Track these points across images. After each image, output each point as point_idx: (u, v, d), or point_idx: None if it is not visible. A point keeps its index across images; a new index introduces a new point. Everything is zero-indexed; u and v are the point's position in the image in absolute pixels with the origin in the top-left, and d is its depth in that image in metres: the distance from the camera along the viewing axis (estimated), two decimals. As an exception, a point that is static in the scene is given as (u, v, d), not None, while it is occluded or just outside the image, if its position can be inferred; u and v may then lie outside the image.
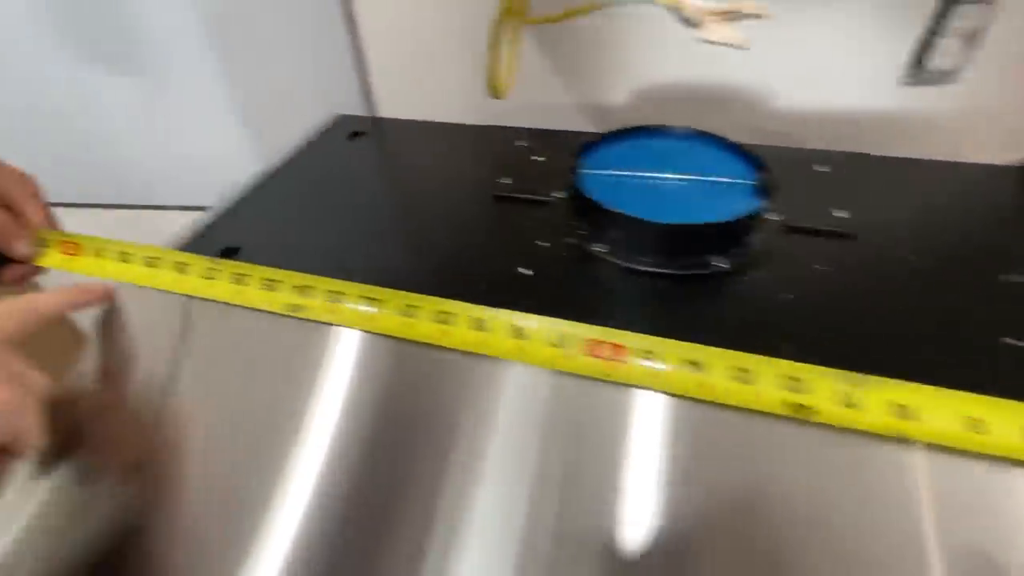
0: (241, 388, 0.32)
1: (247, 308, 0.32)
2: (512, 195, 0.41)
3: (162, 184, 0.73)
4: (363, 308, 0.30)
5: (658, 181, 0.38)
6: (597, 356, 0.27)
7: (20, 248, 0.34)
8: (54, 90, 0.66)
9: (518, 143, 0.47)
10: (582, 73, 0.57)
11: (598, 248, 0.35)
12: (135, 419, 0.32)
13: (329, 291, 0.31)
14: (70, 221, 0.38)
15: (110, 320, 0.33)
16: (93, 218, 0.78)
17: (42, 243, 0.35)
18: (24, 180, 0.36)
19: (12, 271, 0.36)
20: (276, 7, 0.60)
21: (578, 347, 0.28)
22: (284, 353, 0.31)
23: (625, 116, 0.59)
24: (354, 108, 0.62)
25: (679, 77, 0.54)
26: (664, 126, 0.42)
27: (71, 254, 0.35)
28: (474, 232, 0.38)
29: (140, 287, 0.34)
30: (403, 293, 0.30)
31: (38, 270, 0.36)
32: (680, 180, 0.38)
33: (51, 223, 0.37)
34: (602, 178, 0.38)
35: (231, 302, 0.32)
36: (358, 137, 0.50)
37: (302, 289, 0.31)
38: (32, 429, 0.26)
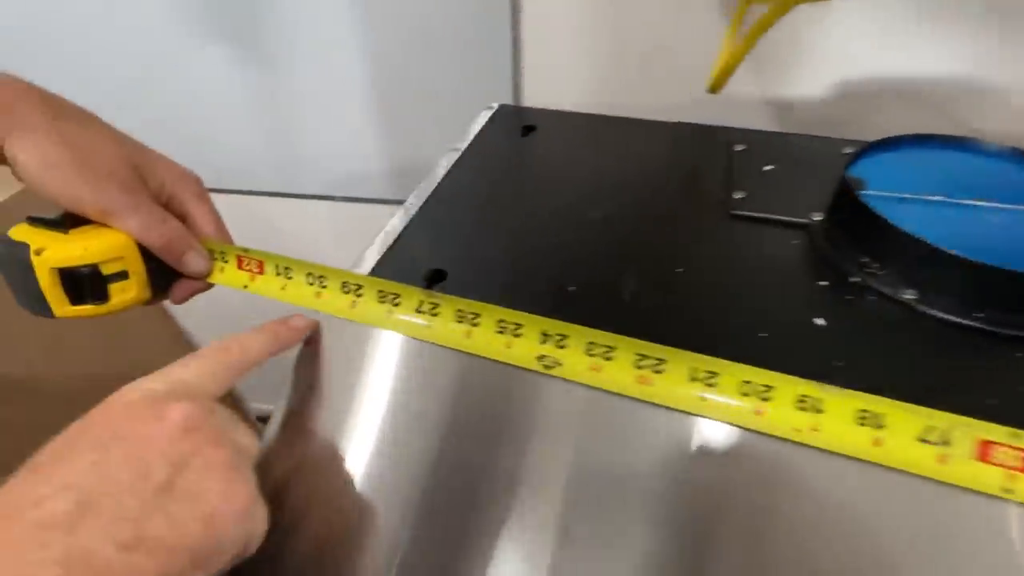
0: (456, 442, 0.26)
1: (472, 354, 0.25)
2: (754, 214, 0.33)
3: (292, 172, 0.68)
4: (642, 371, 0.23)
5: (971, 209, 0.30)
6: (993, 463, 0.20)
7: (195, 264, 0.29)
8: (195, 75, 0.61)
9: (737, 147, 0.39)
10: (777, 66, 0.49)
11: (908, 295, 0.27)
12: (339, 478, 0.26)
13: (590, 343, 0.24)
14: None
15: (311, 360, 0.28)
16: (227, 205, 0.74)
17: (214, 256, 0.30)
18: (191, 180, 0.31)
19: (182, 289, 0.30)
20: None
21: (966, 447, 0.20)
22: (509, 406, 0.25)
23: (828, 114, 0.50)
24: (500, 97, 0.55)
25: (900, 71, 0.45)
26: (962, 138, 0.33)
27: (254, 272, 0.29)
28: (719, 259, 0.31)
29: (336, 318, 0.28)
30: (672, 350, 0.23)
31: (208, 287, 0.31)
32: (1006, 209, 0.30)
33: (222, 232, 0.31)
34: (886, 201, 0.30)
35: (458, 348, 0.26)
36: (532, 132, 0.43)
37: (555, 340, 0.24)
38: (260, 522, 0.20)
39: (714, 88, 0.38)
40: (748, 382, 0.22)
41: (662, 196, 0.36)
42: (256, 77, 0.59)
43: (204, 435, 0.19)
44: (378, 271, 0.30)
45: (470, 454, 0.25)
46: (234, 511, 0.19)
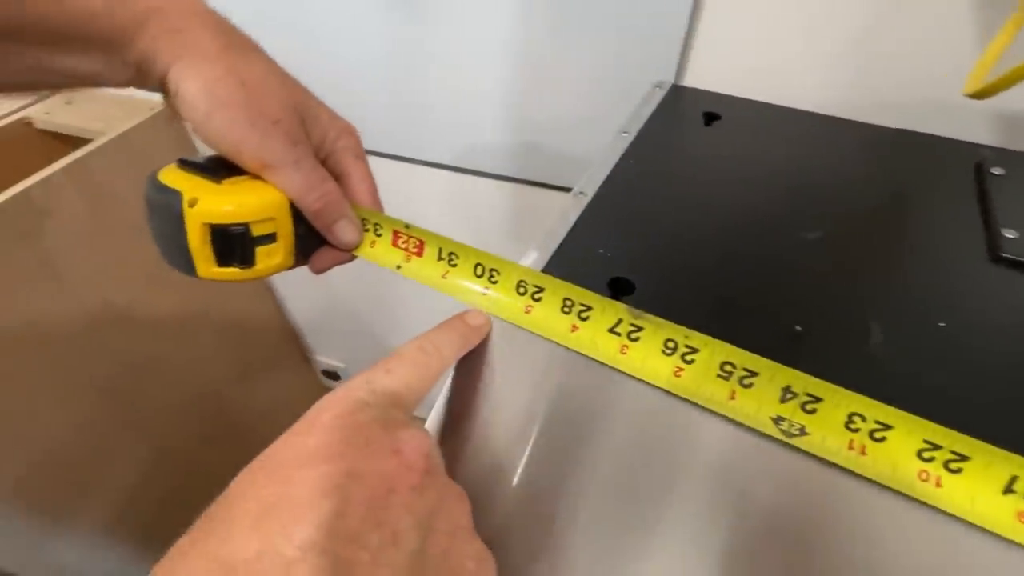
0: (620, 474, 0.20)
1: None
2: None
3: (428, 139, 0.64)
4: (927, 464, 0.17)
5: None
6: None
7: (346, 234, 0.25)
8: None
9: (995, 171, 0.31)
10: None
11: None
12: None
13: (852, 414, 0.18)
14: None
15: (475, 364, 0.23)
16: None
17: (366, 226, 0.26)
18: (353, 137, 0.27)
19: (324, 259, 0.27)
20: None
21: None
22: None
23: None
24: (658, 73, 0.48)
25: None
26: None
27: (411, 252, 0.25)
28: (991, 314, 0.24)
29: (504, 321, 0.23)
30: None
31: (351, 259, 0.27)
32: None
33: (376, 201, 0.27)
34: None
35: (666, 389, 0.20)
36: (716, 121, 0.37)
37: (800, 400, 0.19)
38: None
39: (982, 93, 0.29)
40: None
41: (897, 222, 0.29)
42: (401, 28, 0.55)
43: (442, 481, 0.16)
44: (549, 270, 0.25)
45: (633, 481, 0.20)
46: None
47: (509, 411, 0.23)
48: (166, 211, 0.22)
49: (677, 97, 0.40)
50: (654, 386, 0.20)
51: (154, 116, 0.69)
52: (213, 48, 0.22)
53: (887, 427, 0.17)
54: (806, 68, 0.44)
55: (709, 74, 0.48)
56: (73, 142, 0.65)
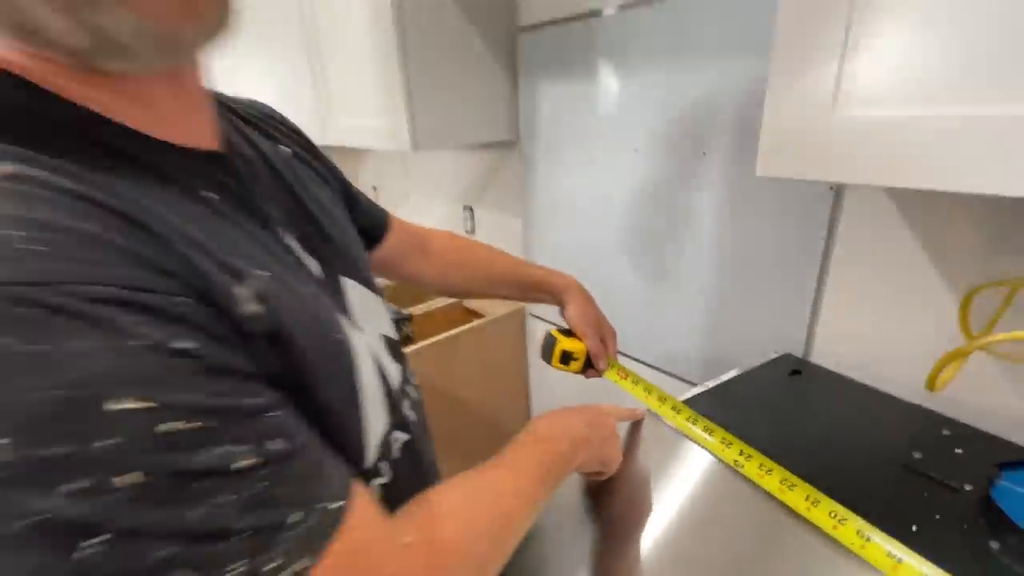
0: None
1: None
2: (923, 472, 0.51)
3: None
4: None
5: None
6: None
7: (602, 365, 0.68)
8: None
9: (944, 432, 0.56)
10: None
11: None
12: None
13: None
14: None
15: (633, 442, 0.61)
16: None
17: (609, 364, 0.68)
18: (613, 334, 0.71)
19: (590, 373, 0.69)
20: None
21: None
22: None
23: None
24: (790, 347, 0.81)
25: None
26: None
27: (622, 377, 0.66)
28: (878, 501, 0.50)
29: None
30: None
31: (600, 375, 0.69)
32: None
33: (615, 355, 0.70)
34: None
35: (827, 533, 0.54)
36: (796, 375, 0.69)
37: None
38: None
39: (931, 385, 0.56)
40: None
41: (855, 441, 0.57)
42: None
43: (614, 431, 0.54)
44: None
45: None
46: (615, 458, 0.53)
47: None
48: (548, 345, 0.69)
49: (783, 360, 0.73)
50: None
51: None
52: (578, 296, 0.70)
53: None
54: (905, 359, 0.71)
55: (830, 357, 0.78)
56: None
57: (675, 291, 0.94)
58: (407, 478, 0.41)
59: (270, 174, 0.40)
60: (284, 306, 0.30)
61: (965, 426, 0.58)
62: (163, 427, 0.22)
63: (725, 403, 0.64)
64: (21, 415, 0.19)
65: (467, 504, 0.37)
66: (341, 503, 0.28)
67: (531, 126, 1.10)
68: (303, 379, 0.30)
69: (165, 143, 0.31)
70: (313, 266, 0.39)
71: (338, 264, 0.42)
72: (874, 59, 0.39)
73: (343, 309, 0.40)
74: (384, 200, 1.81)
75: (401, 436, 0.42)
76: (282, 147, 0.45)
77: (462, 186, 1.44)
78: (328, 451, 0.30)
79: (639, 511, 0.54)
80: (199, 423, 0.23)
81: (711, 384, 0.68)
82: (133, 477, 0.21)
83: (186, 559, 0.22)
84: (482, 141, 1.14)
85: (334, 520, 0.27)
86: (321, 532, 0.26)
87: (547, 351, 0.69)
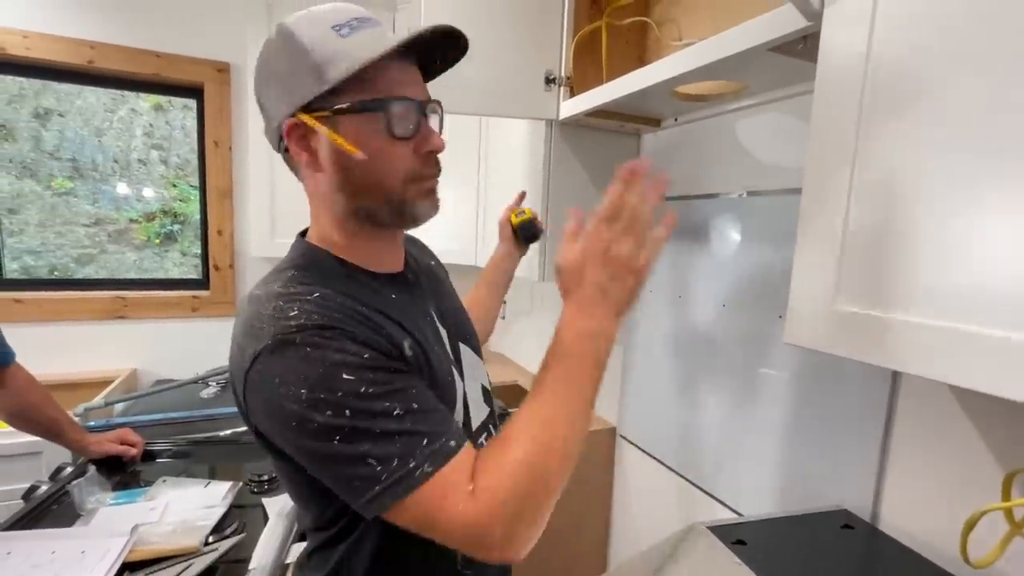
0: None
1: None
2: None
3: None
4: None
5: None
6: None
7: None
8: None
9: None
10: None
11: None
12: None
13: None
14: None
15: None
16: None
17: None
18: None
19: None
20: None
21: None
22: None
23: None
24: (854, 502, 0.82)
25: None
26: None
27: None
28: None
29: None
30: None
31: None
32: None
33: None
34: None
35: None
36: (846, 530, 0.73)
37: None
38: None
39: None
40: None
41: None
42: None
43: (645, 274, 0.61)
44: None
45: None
46: (638, 292, 0.60)
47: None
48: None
49: (840, 512, 0.76)
50: None
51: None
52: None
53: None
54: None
55: (897, 517, 0.79)
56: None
57: (746, 430, 1.02)
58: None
59: (425, 279, 0.70)
60: (427, 351, 0.58)
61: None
62: (363, 389, 0.48)
63: (773, 538, 0.70)
64: (313, 378, 0.48)
65: (525, 453, 0.49)
66: (454, 444, 0.49)
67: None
68: (435, 391, 0.55)
69: (378, 272, 0.62)
70: (443, 333, 0.66)
71: (457, 333, 0.69)
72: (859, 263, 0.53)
73: (458, 363, 0.66)
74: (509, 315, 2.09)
75: None
76: (424, 260, 0.76)
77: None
78: (456, 422, 0.54)
79: None
80: (381, 389, 0.49)
81: (761, 516, 0.74)
82: (351, 407, 0.48)
83: (375, 441, 0.48)
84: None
85: (449, 453, 0.49)
86: (443, 455, 0.48)
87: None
